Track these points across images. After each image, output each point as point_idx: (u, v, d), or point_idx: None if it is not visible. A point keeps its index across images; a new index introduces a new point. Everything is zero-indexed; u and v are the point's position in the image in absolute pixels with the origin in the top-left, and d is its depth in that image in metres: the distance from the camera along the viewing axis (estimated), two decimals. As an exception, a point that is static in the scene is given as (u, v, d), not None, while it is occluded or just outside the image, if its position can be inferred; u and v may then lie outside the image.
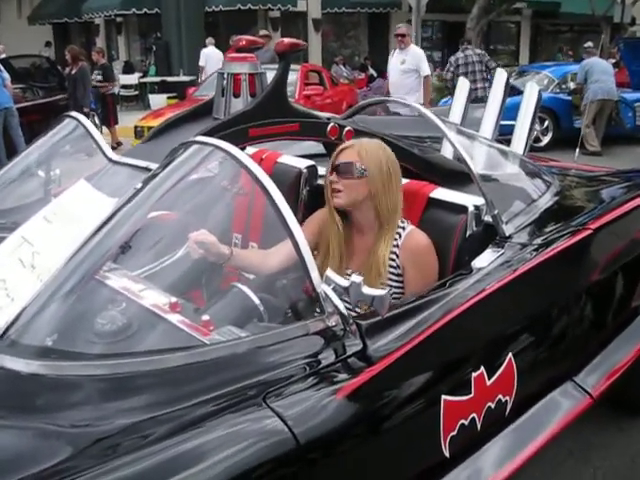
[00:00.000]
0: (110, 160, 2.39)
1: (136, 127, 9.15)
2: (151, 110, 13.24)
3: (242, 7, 17.71)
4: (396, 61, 8.13)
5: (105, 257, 1.95)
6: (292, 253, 1.75)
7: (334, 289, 1.66)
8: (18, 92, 11.55)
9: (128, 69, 19.38)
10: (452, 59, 9.76)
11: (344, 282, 1.65)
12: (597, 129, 10.09)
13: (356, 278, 1.65)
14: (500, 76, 3.58)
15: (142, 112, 14.15)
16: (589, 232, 2.34)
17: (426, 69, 8.07)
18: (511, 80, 11.50)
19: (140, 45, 21.94)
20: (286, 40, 2.40)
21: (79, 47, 12.60)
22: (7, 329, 1.70)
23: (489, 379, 1.93)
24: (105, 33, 22.16)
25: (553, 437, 2.15)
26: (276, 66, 2.42)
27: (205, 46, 13.88)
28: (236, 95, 2.40)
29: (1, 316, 1.90)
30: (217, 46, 15.03)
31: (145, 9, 18.11)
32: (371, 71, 20.46)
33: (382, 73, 19.42)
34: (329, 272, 1.70)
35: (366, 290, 1.63)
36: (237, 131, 2.30)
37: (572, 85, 11.04)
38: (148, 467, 1.35)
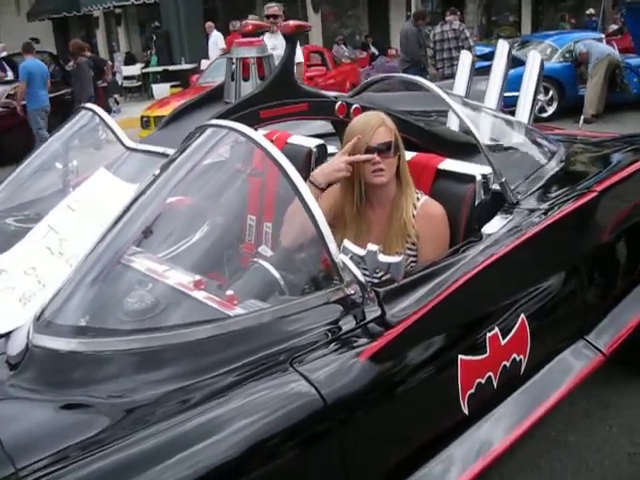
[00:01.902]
0: (128, 148, 2.47)
1: (142, 117, 9.22)
2: (156, 100, 13.31)
3: (240, -9, 17.70)
4: (269, 45, 7.36)
5: (129, 241, 2.03)
6: (307, 227, 1.83)
7: (351, 258, 1.74)
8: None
9: (130, 60, 19.43)
10: (431, 34, 9.58)
11: (361, 251, 1.73)
12: (601, 93, 10.05)
13: (372, 247, 1.73)
14: (502, 47, 3.62)
15: (146, 102, 14.21)
16: (594, 194, 2.41)
17: (299, 55, 7.12)
18: (514, 51, 11.47)
19: (140, 35, 21.95)
20: (291, 22, 2.47)
21: (81, 41, 12.64)
22: (42, 312, 1.80)
23: (503, 339, 2.01)
24: (105, 25, 22.19)
25: (567, 393, 2.23)
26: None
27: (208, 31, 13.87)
28: (245, 79, 2.47)
29: (35, 300, 2.01)
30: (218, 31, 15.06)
31: (143, -1, 18.13)
32: (372, 49, 20.40)
33: (384, 51, 19.40)
34: (346, 242, 1.78)
35: (382, 258, 1.71)
36: (248, 114, 2.38)
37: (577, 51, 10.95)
38: (183, 432, 1.44)
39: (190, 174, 2.09)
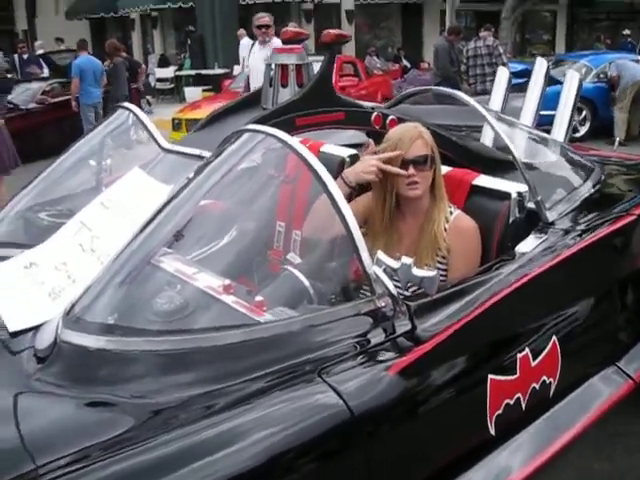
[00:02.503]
0: (163, 149, 2.47)
1: (174, 119, 9.28)
2: (187, 103, 13.40)
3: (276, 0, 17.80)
4: (260, 57, 6.91)
5: (160, 243, 2.03)
6: (339, 235, 1.82)
7: (385, 270, 1.72)
8: (57, 87, 11.83)
9: (163, 62, 19.60)
10: (464, 50, 9.51)
11: (395, 263, 1.72)
12: (632, 116, 9.96)
13: (406, 260, 1.71)
14: (541, 65, 3.60)
15: (178, 105, 14.32)
16: (633, 218, 2.37)
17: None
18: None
19: (175, 38, 22.16)
20: (332, 31, 2.46)
21: (117, 42, 12.80)
22: (72, 307, 1.80)
23: (534, 360, 1.98)
24: (141, 27, 22.44)
25: (595, 420, 2.19)
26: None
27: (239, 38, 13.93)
28: (284, 85, 2.47)
29: (65, 296, 2.01)
30: (250, 39, 15.10)
31: (180, 3, 18.30)
32: (405, 62, 20.41)
33: (417, 64, 19.40)
34: (380, 254, 1.76)
35: (416, 271, 1.69)
36: (285, 120, 2.37)
37: (610, 73, 10.89)
38: (205, 439, 1.43)
39: (224, 179, 2.09)
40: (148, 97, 15.06)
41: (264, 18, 7.03)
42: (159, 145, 2.49)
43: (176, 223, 2.08)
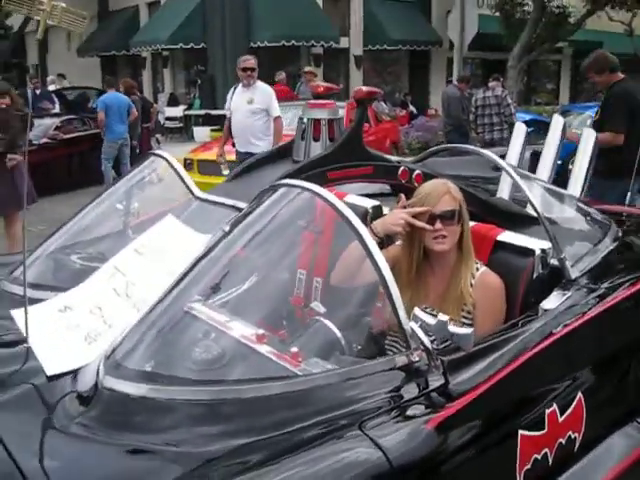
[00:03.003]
0: (197, 197, 2.54)
1: (185, 160, 9.37)
2: (196, 142, 13.56)
3: (286, 43, 18.10)
4: (241, 100, 7.01)
5: (197, 292, 2.09)
6: (374, 288, 1.87)
7: (421, 326, 1.77)
8: (70, 123, 11.99)
9: (173, 101, 19.87)
10: (473, 99, 9.64)
11: (431, 320, 1.76)
12: None
13: (443, 317, 1.76)
14: (557, 122, 3.69)
15: (186, 143, 14.49)
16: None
17: (277, 109, 7.00)
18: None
19: (185, 77, 22.49)
20: (364, 88, 2.55)
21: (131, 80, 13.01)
22: (113, 352, 1.85)
23: (561, 416, 2.01)
24: (151, 66, 22.78)
25: (617, 476, 2.21)
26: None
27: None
28: (316, 139, 2.54)
29: (101, 341, 2.06)
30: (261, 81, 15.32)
31: (192, 44, 18.61)
32: (411, 107, 20.67)
33: (423, 110, 19.66)
34: (417, 310, 1.81)
35: (452, 328, 1.74)
36: (317, 174, 2.44)
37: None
38: None
39: (261, 233, 2.15)
40: (158, 135, 15.23)
41: (250, 61, 6.96)
42: (193, 193, 2.56)
43: (214, 275, 2.14)
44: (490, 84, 9.69)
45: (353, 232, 1.88)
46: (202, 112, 17.06)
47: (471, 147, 2.88)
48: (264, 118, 6.88)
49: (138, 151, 10.76)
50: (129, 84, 10.99)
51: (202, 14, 18.63)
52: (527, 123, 9.46)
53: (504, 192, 3.58)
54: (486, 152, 2.67)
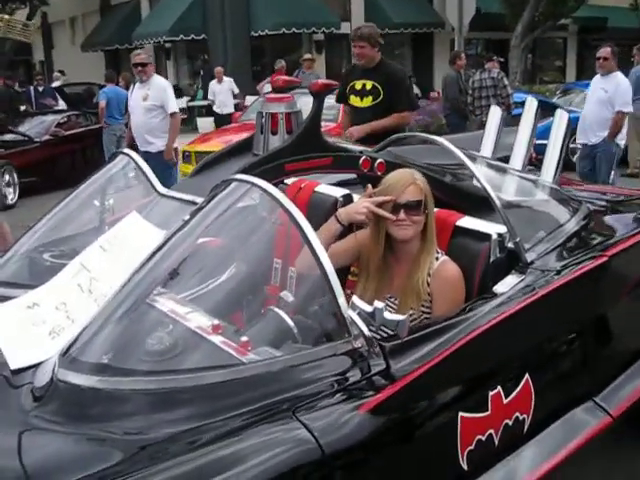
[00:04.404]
0: (159, 193, 2.60)
1: (184, 152, 9.47)
2: (200, 133, 13.62)
3: (287, 31, 18.10)
4: (137, 96, 6.75)
5: (155, 283, 2.15)
6: (319, 280, 1.93)
7: (359, 314, 1.83)
8: (72, 119, 12.09)
9: (177, 93, 19.86)
10: (470, 81, 9.63)
11: (368, 307, 1.82)
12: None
13: (379, 304, 1.82)
14: (530, 105, 3.69)
15: (190, 134, 14.53)
16: (605, 259, 2.46)
17: (173, 105, 6.68)
18: (555, 99, 11.50)
19: (188, 69, 22.55)
20: (320, 81, 2.60)
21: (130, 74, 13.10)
22: (69, 347, 1.92)
23: (506, 397, 2.07)
24: (155, 58, 22.81)
25: (572, 454, 2.27)
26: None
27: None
28: (274, 132, 2.60)
29: (64, 335, 2.13)
30: (262, 70, 15.33)
31: (192, 35, 18.66)
32: (416, 90, 20.58)
33: (426, 93, 19.57)
34: (355, 298, 1.87)
35: (388, 315, 1.80)
36: (274, 166, 2.50)
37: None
38: (190, 470, 1.55)
39: (216, 222, 2.21)
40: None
41: (139, 56, 6.67)
42: (155, 190, 2.62)
43: (171, 264, 2.20)
44: (486, 65, 9.67)
45: (295, 226, 1.94)
46: (205, 103, 17.09)
47: (429, 136, 2.92)
48: (160, 115, 6.58)
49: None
50: (127, 79, 11.10)
51: (202, 5, 18.66)
52: (524, 104, 9.40)
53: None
54: (443, 141, 2.71)
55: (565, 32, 24.90)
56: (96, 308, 2.14)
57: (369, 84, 4.95)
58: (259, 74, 17.83)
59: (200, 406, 1.71)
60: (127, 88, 10.60)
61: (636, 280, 2.74)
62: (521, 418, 2.13)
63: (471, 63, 12.94)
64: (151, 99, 6.54)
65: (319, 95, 2.59)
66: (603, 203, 3.61)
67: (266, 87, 12.57)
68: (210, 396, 1.72)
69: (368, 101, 4.94)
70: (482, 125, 8.96)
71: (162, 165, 6.37)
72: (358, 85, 4.99)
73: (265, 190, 2.02)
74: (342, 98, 5.20)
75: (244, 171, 2.43)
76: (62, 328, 2.20)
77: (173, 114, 6.59)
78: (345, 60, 21.28)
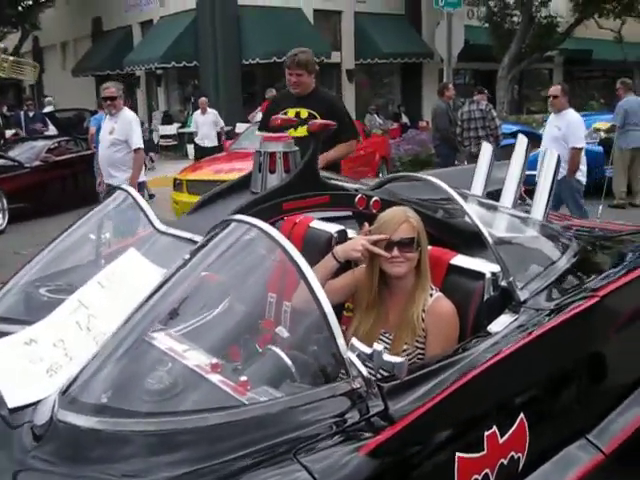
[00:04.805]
0: (158, 230, 2.63)
1: (175, 180, 9.50)
2: (190, 160, 13.67)
3: (277, 60, 18.22)
4: (105, 129, 6.69)
5: (155, 322, 2.17)
6: (318, 320, 1.96)
7: (358, 355, 1.86)
8: (63, 144, 12.11)
9: (167, 119, 20.02)
10: (459, 113, 9.74)
11: (367, 349, 1.85)
12: (634, 179, 10.16)
13: (377, 346, 1.85)
14: (521, 143, 3.76)
15: (181, 161, 14.62)
16: (597, 299, 2.51)
17: (137, 141, 6.48)
18: (541, 130, 11.64)
19: (179, 95, 22.67)
20: (318, 121, 2.65)
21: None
22: (69, 387, 1.93)
23: (501, 437, 2.09)
24: (146, 84, 22.97)
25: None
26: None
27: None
28: (272, 171, 2.64)
29: (62, 373, 2.14)
30: (252, 97, 15.40)
31: (184, 62, 18.78)
32: (405, 119, 20.81)
33: (415, 123, 19.78)
34: (354, 340, 1.90)
35: (386, 357, 1.83)
36: (272, 205, 2.54)
37: (602, 135, 11.14)
38: None
39: (215, 262, 2.24)
40: (152, 154, 15.36)
41: (109, 89, 6.48)
42: (154, 227, 2.65)
43: (171, 303, 2.23)
44: (475, 97, 9.81)
45: (295, 267, 1.97)
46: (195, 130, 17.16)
47: (423, 176, 2.97)
48: (124, 150, 6.47)
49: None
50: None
51: (194, 32, 18.82)
52: (514, 135, 9.57)
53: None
54: (435, 180, 2.77)
55: (551, 63, 25.27)
56: (95, 346, 2.16)
57: (304, 112, 4.62)
58: (250, 101, 17.95)
59: (200, 448, 1.72)
60: None
61: (625, 318, 2.79)
62: (516, 457, 2.15)
63: (460, 92, 13.10)
64: (117, 133, 6.47)
65: (316, 135, 2.64)
66: (592, 240, 3.66)
67: (257, 116, 12.66)
68: (210, 438, 1.73)
69: (304, 130, 4.59)
70: (471, 156, 9.16)
71: None
72: (291, 113, 4.62)
73: (264, 231, 2.05)
74: (266, 127, 4.46)
75: (242, 210, 2.46)
76: (60, 366, 2.21)
77: (137, 150, 6.46)
78: (335, 88, 21.49)
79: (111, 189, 2.92)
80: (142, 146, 6.55)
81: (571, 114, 7.32)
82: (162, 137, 18.72)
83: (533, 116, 19.91)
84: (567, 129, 7.09)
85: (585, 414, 2.51)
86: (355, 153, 10.48)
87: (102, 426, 1.77)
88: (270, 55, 18.01)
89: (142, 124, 13.07)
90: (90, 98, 21.29)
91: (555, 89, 7.40)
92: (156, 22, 20.88)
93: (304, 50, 4.83)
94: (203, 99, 13.93)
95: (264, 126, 4.81)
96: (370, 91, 23.02)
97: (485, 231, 2.55)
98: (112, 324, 2.17)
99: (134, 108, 18.31)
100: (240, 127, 13.48)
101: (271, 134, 2.75)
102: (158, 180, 12.53)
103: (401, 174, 3.62)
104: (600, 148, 10.83)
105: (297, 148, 2.71)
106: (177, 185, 9.24)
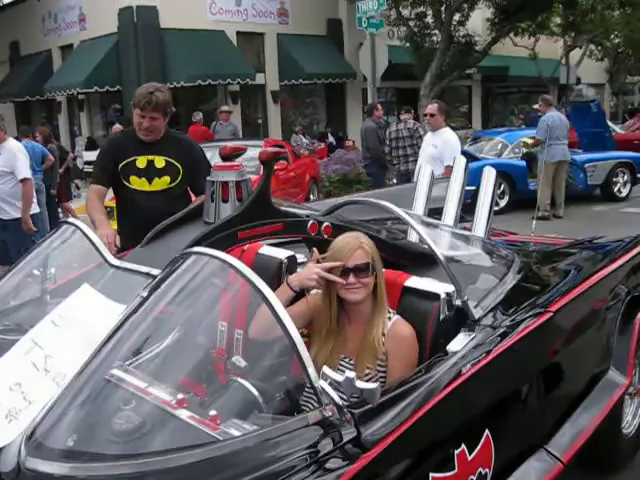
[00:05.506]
0: (111, 265, 2.58)
1: (106, 207, 9.29)
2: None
3: (202, 83, 18.19)
4: None
5: (117, 361, 2.13)
6: (285, 350, 1.96)
7: (330, 384, 1.87)
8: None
9: (91, 145, 19.61)
10: (387, 132, 9.85)
11: (339, 377, 1.86)
12: (557, 191, 10.54)
13: (350, 373, 1.86)
14: (459, 163, 3.87)
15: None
16: (550, 314, 2.60)
17: (23, 171, 6.20)
18: (466, 146, 12.01)
19: (102, 119, 22.26)
20: (269, 149, 2.66)
21: (42, 124, 12.85)
22: (33, 432, 1.87)
23: (470, 454, 2.14)
24: (67, 110, 22.47)
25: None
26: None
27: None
28: (225, 200, 2.63)
29: (22, 418, 2.07)
30: (177, 121, 15.27)
31: (107, 87, 18.47)
32: (330, 139, 21.01)
33: (342, 142, 20.00)
34: (325, 369, 1.91)
35: (359, 384, 1.85)
36: (227, 235, 2.53)
37: (524, 150, 11.57)
38: None
39: (177, 297, 2.22)
40: (77, 181, 15.02)
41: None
42: (107, 261, 2.60)
43: (132, 342, 2.19)
44: (402, 117, 9.99)
45: (260, 296, 1.97)
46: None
47: (376, 201, 3.02)
48: (12, 182, 6.22)
49: (57, 200, 10.62)
50: (47, 132, 10.92)
51: (116, 57, 18.56)
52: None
53: (413, 237, 3.73)
54: (389, 205, 2.83)
55: (470, 80, 26.04)
56: (55, 387, 2.10)
57: (160, 161, 3.78)
58: (175, 125, 17.78)
59: None
60: (45, 142, 10.42)
61: (574, 330, 2.90)
62: (484, 473, 2.20)
63: (384, 110, 13.29)
64: (1, 164, 6.19)
65: (268, 163, 2.65)
66: (532, 255, 3.80)
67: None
68: (190, 477, 1.71)
69: (163, 183, 3.77)
70: (400, 174, 9.31)
71: (18, 234, 6.16)
72: (140, 162, 3.78)
73: (225, 261, 2.06)
74: (103, 179, 3.98)
75: (199, 241, 2.45)
76: (19, 410, 2.13)
77: (23, 180, 6.19)
78: (260, 110, 21.56)
79: (59, 223, 2.84)
80: (29, 176, 6.30)
81: (448, 132, 7.47)
82: (86, 163, 18.28)
83: (456, 132, 20.40)
84: (443, 147, 7.20)
85: (542, 425, 2.59)
86: (286, 175, 10.71)
87: (75, 472, 1.73)
88: (195, 78, 17.94)
89: (67, 153, 12.84)
90: (10, 125, 20.64)
91: (432, 107, 7.51)
92: (77, 46, 20.46)
93: (160, 87, 3.78)
94: (117, 126, 13.55)
95: (103, 179, 4.02)
96: (295, 111, 23.15)
97: (438, 251, 2.61)
98: (71, 364, 2.12)
99: (56, 134, 17.95)
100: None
101: (223, 163, 2.74)
102: (84, 208, 12.23)
103: (356, 199, 3.67)
104: (523, 163, 11.26)
105: (249, 176, 2.72)
106: (109, 213, 9.05)
